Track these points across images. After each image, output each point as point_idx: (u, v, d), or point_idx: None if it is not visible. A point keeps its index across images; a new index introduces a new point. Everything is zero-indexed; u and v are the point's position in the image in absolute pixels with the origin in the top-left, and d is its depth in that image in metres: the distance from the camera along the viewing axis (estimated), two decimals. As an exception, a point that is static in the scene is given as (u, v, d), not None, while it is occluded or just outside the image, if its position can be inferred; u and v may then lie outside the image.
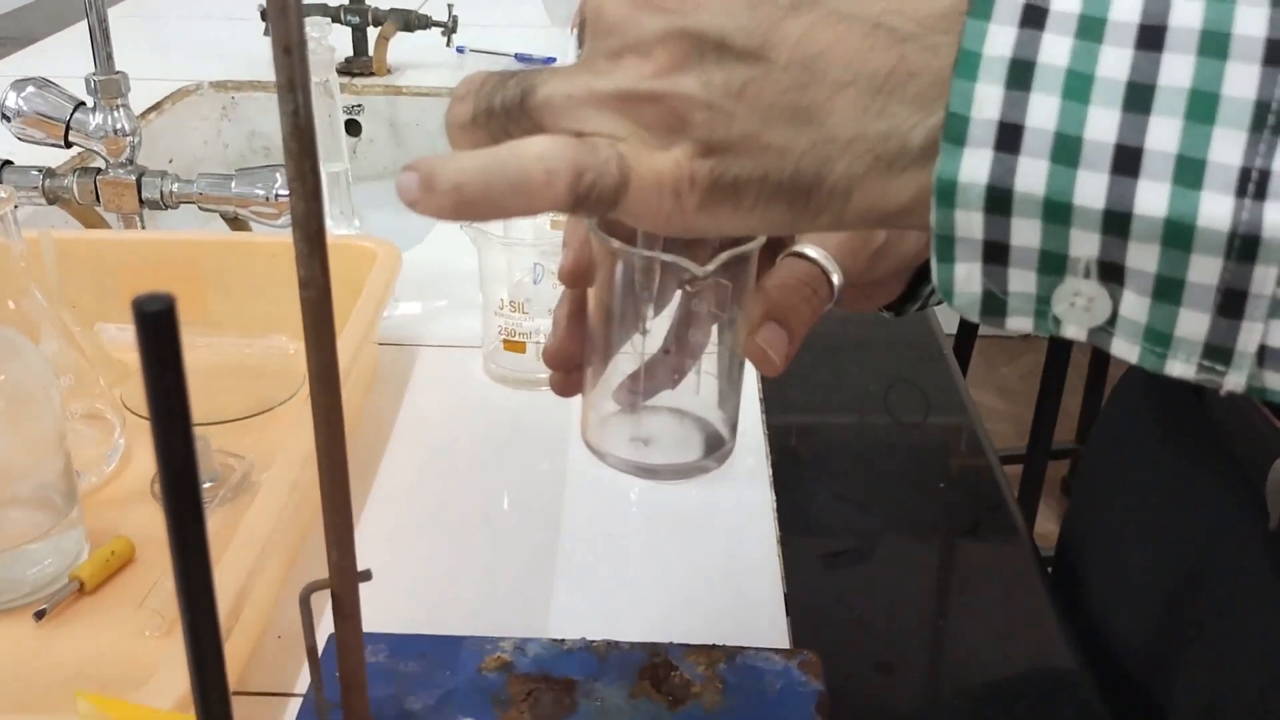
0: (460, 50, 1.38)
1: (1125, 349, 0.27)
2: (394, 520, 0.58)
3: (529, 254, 0.68)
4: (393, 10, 1.30)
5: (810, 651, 0.47)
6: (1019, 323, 0.27)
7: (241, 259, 0.72)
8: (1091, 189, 0.25)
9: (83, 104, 0.76)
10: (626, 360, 0.39)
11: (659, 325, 0.39)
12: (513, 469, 0.63)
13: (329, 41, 0.77)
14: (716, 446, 0.40)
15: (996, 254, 0.26)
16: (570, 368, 0.39)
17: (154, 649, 0.48)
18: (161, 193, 0.77)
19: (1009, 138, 0.25)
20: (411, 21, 1.30)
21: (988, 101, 0.25)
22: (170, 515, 0.23)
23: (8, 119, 0.76)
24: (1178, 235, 0.24)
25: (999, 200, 0.25)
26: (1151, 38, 0.24)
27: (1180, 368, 0.26)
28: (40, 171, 0.78)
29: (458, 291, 0.81)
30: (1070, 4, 0.25)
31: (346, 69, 1.30)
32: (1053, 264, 0.26)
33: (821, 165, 0.27)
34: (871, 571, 0.56)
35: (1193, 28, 0.24)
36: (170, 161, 1.24)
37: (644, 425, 0.40)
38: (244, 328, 0.71)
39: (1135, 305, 0.26)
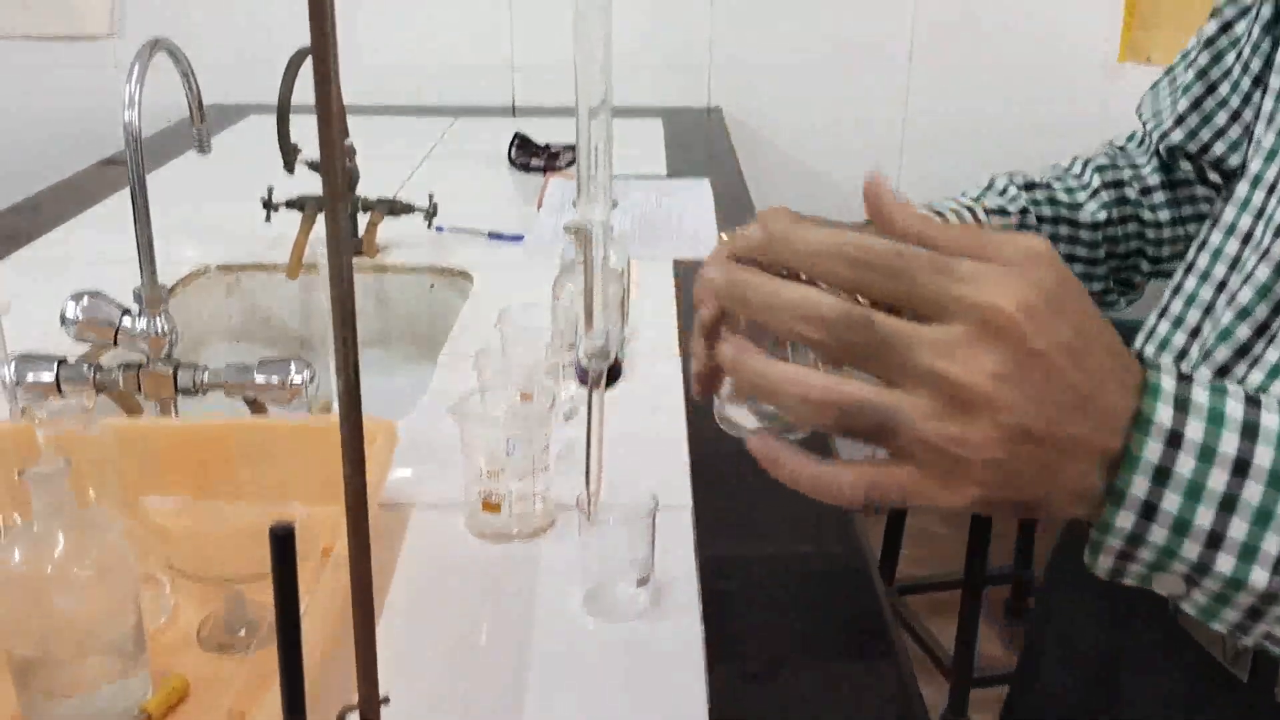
0: (440, 229, 1.55)
1: (1189, 608, 0.47)
2: (395, 651, 0.72)
3: (503, 431, 0.83)
4: (380, 200, 1.47)
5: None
6: (1128, 581, 0.48)
7: (262, 438, 0.87)
8: (1189, 552, 0.44)
9: (128, 311, 0.92)
10: None
11: None
12: (490, 609, 0.77)
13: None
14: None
15: (1123, 557, 0.46)
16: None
17: (210, 765, 0.61)
18: (194, 381, 0.92)
19: (1147, 514, 0.44)
20: (397, 208, 1.48)
21: (1139, 488, 0.44)
22: (282, 644, 0.37)
23: (66, 324, 0.91)
24: (1234, 586, 0.44)
25: (1133, 540, 0.45)
26: (1241, 469, 0.43)
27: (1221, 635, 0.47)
28: (91, 367, 0.93)
29: (443, 456, 0.95)
30: (1196, 434, 0.43)
31: (338, 250, 1.46)
32: (1156, 567, 0.46)
33: (1047, 499, 0.44)
34: (778, 686, 0.70)
35: (1264, 467, 0.43)
36: (181, 336, 1.39)
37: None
38: (265, 496, 0.85)
39: (1199, 598, 0.46)
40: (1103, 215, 0.82)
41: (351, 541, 0.48)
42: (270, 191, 1.45)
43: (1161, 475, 0.43)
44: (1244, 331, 0.61)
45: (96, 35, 2.38)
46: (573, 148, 1.91)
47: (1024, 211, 0.81)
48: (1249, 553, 0.43)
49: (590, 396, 0.55)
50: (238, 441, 0.86)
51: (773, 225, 0.44)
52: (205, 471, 0.86)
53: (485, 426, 0.83)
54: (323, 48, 0.39)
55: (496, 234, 1.55)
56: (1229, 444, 0.42)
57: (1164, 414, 0.43)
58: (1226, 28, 0.74)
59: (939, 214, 0.78)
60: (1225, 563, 0.43)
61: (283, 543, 0.36)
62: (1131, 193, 0.82)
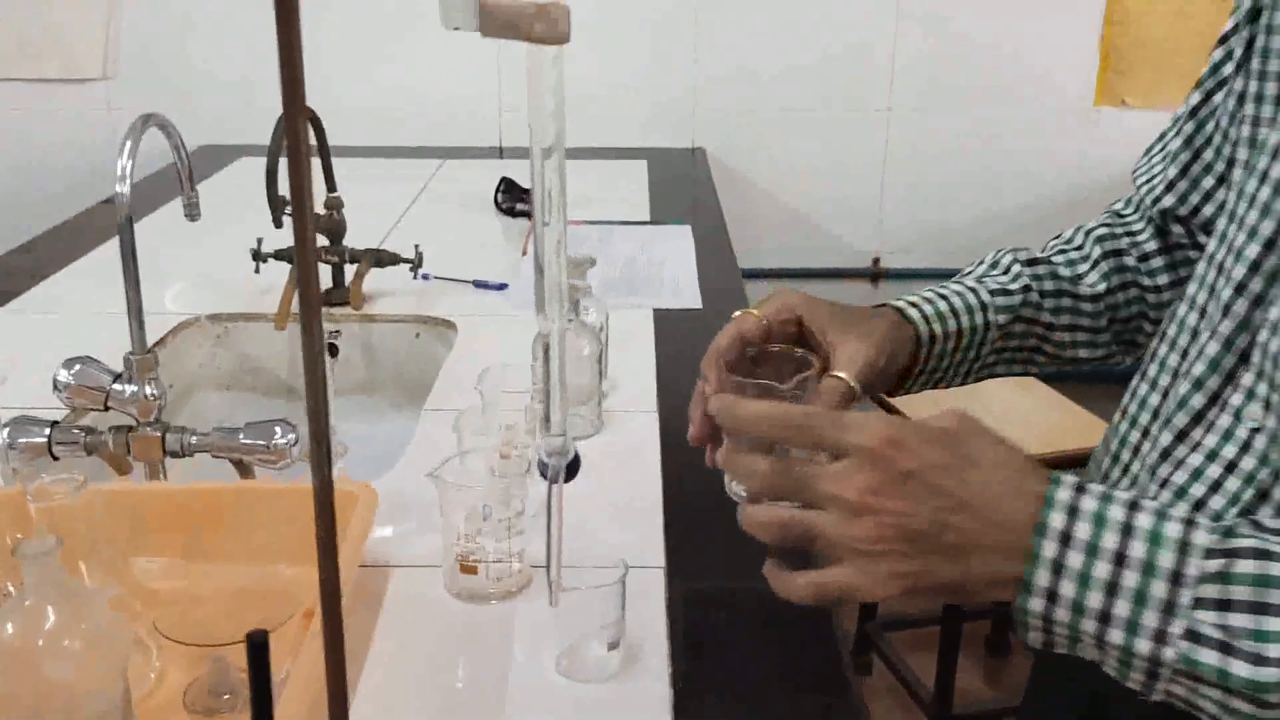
0: (426, 277, 1.58)
1: (1109, 671, 0.56)
2: (374, 711, 0.75)
3: (479, 496, 0.86)
4: (368, 250, 1.51)
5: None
6: (1059, 650, 0.57)
7: (247, 502, 0.89)
8: (1088, 627, 0.54)
9: (119, 375, 0.95)
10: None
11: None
12: (466, 669, 0.80)
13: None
14: None
15: (1045, 632, 0.56)
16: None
17: (193, 831, 0.64)
18: (182, 444, 0.95)
19: (1050, 599, 0.55)
20: (383, 259, 1.51)
21: (1041, 578, 0.55)
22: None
23: (58, 389, 0.94)
24: (1127, 653, 0.54)
25: (1046, 620, 0.55)
26: (1120, 560, 0.53)
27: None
28: (81, 430, 0.95)
29: (422, 515, 0.98)
30: (1083, 534, 0.53)
31: (326, 299, 1.49)
32: (1071, 640, 0.56)
33: (966, 587, 0.57)
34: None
35: (1138, 558, 0.53)
36: (171, 386, 1.42)
37: None
38: (251, 558, 0.88)
39: (1111, 663, 0.56)
40: (1103, 286, 0.86)
41: (327, 637, 0.50)
42: (260, 243, 1.49)
43: (1058, 568, 0.54)
44: (1198, 400, 0.67)
45: (91, 78, 2.42)
46: (558, 193, 1.94)
47: (1026, 289, 0.84)
48: (1133, 627, 0.53)
49: (550, 492, 0.58)
50: (224, 505, 0.89)
51: (724, 405, 0.62)
52: (192, 534, 0.89)
53: (463, 492, 0.86)
54: (294, 122, 0.42)
55: (481, 283, 1.58)
56: (1110, 541, 0.54)
57: (1056, 519, 0.55)
58: (1208, 98, 0.79)
59: (943, 296, 0.82)
60: (1116, 635, 0.54)
61: (258, 647, 0.39)
62: (1130, 260, 0.86)
